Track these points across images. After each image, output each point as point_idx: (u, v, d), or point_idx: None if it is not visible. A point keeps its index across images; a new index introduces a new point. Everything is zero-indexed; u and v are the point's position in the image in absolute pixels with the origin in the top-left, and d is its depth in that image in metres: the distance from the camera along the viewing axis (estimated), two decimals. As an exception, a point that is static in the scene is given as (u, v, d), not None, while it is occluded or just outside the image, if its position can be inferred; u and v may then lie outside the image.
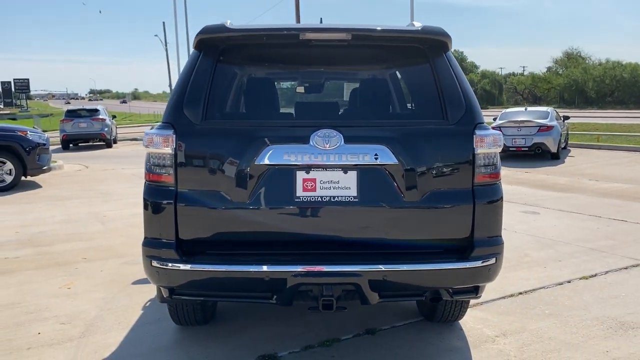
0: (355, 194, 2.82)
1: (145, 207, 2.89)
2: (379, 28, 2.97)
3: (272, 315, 3.95)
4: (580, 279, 4.84)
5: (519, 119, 14.61)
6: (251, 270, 2.77)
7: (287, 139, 2.79)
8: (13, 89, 67.60)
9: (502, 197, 3.01)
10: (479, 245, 2.92)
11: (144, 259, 2.88)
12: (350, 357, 3.40)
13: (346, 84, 3.41)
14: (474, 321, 3.94)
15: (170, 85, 41.82)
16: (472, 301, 4.27)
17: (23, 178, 10.25)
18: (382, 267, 2.79)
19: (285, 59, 3.20)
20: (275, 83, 3.24)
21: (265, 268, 2.76)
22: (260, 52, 3.11)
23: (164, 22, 45.67)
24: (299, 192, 2.80)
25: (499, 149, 2.99)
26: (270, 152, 2.77)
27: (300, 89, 3.26)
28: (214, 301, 3.32)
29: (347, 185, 2.81)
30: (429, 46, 3.03)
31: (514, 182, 10.74)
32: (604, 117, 31.94)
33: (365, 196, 2.82)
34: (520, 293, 4.49)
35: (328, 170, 2.81)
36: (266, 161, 2.77)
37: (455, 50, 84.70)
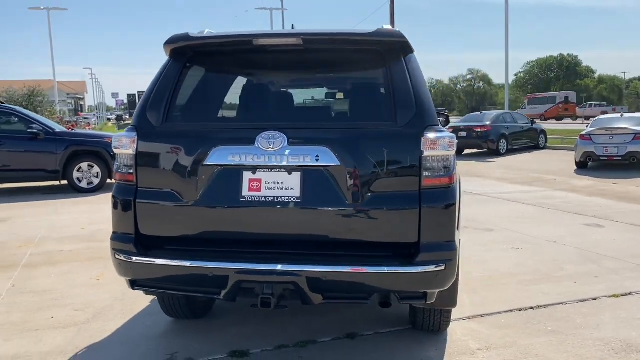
0: (298, 194, 2.86)
1: (113, 203, 3.13)
2: (330, 32, 3.00)
3: (260, 315, 4.05)
4: (610, 296, 4.47)
5: (612, 126, 13.57)
6: (198, 266, 2.91)
7: (234, 141, 2.91)
8: (137, 101, 73.55)
9: (455, 202, 2.91)
10: (425, 250, 2.84)
11: (111, 252, 3.12)
12: (317, 359, 3.42)
13: (300, 87, 3.47)
14: (463, 332, 3.79)
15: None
16: (471, 312, 4.13)
17: (108, 180, 11.19)
18: (321, 268, 2.81)
19: (243, 65, 3.33)
20: (233, 87, 3.38)
21: (209, 264, 2.89)
22: (221, 58, 3.26)
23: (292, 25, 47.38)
24: (245, 192, 2.90)
25: (451, 152, 2.89)
26: (218, 153, 2.90)
27: (255, 93, 3.37)
28: (173, 294, 3.49)
29: (290, 186, 2.87)
30: (385, 49, 3.01)
31: (595, 194, 10.01)
32: None
33: (308, 197, 2.86)
34: (532, 307, 4.24)
35: (273, 171, 2.88)
36: (214, 162, 2.90)
37: (568, 54, 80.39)
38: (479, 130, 18.45)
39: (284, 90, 3.40)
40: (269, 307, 2.83)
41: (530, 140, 20.39)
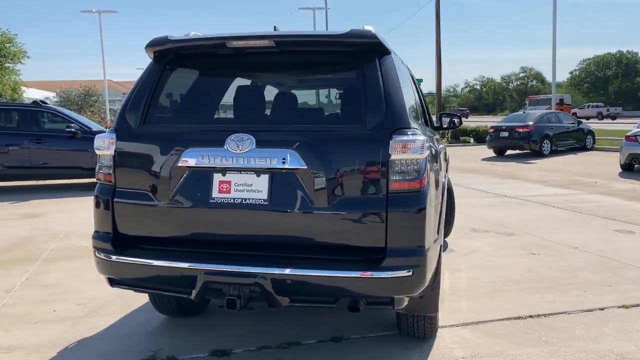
0: (265, 197, 2.86)
1: (94, 203, 3.22)
2: (302, 34, 2.99)
3: (252, 315, 4.05)
4: (619, 307, 4.26)
5: (661, 128, 12.99)
6: (168, 265, 2.96)
7: (205, 142, 2.94)
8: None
9: (424, 207, 2.83)
10: (391, 255, 2.78)
11: (92, 250, 3.21)
12: (297, 361, 3.42)
13: (274, 89, 3.46)
14: (452, 339, 3.70)
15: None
16: (464, 319, 4.03)
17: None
18: (286, 271, 2.80)
19: (218, 67, 3.35)
20: (208, 89, 3.40)
21: (179, 264, 2.93)
22: (198, 61, 3.29)
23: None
24: (215, 193, 2.93)
25: (421, 155, 2.82)
26: (189, 154, 2.93)
27: (228, 95, 3.39)
28: (150, 292, 3.54)
29: (259, 189, 2.87)
30: (357, 50, 2.98)
31: (635, 198, 9.62)
32: None
33: (275, 200, 2.86)
34: (531, 316, 4.09)
35: (242, 173, 2.90)
36: (185, 163, 2.94)
37: (627, 51, 76.64)
38: (521, 130, 17.93)
39: (256, 92, 3.40)
40: (234, 309, 2.84)
41: (576, 141, 19.67)
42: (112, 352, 3.55)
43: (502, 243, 6.39)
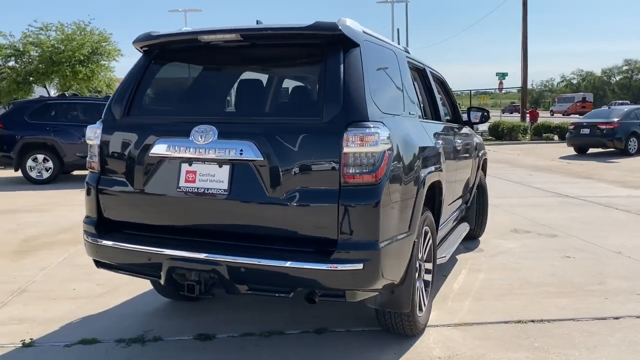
0: (226, 187, 2.95)
1: (85, 190, 3.45)
2: (266, 27, 3.03)
3: (247, 303, 4.18)
4: (637, 317, 3.96)
5: None
6: (139, 250, 3.13)
7: (173, 133, 3.07)
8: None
9: (378, 201, 2.79)
10: (342, 248, 2.78)
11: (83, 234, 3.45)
12: (273, 349, 3.47)
13: (239, 82, 3.50)
14: (436, 338, 3.61)
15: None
16: (460, 319, 3.92)
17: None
18: (240, 259, 2.88)
19: (191, 60, 3.46)
20: (182, 82, 3.51)
21: (148, 249, 3.09)
22: (175, 55, 3.42)
23: (398, 29, 47.02)
24: (182, 182, 3.05)
25: (377, 149, 2.78)
26: (159, 144, 3.08)
27: (198, 88, 3.47)
28: (130, 275, 3.69)
29: (220, 179, 2.96)
30: (324, 43, 2.98)
31: None
32: None
33: (234, 190, 2.94)
34: (532, 321, 3.89)
35: (206, 164, 3.00)
36: (156, 153, 3.09)
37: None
38: (604, 127, 16.80)
39: (223, 85, 3.47)
40: (193, 293, 2.96)
41: (670, 140, 18.13)
42: (108, 329, 3.78)
43: (540, 245, 6.08)
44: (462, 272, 5.08)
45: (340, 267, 2.75)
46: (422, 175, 3.32)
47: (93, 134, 3.35)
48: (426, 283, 3.80)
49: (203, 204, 3.02)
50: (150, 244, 3.11)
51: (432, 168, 3.58)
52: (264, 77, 3.27)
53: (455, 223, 5.25)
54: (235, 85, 3.30)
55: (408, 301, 3.26)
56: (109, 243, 3.24)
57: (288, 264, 2.80)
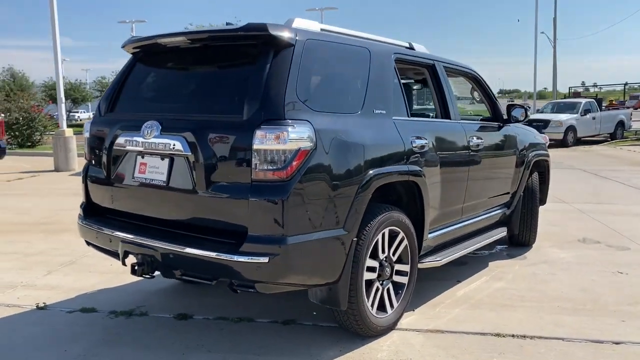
0: (165, 179, 3.21)
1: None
2: (205, 30, 3.22)
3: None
4: (643, 345, 3.50)
5: None
6: (104, 233, 3.51)
7: (131, 128, 3.39)
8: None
9: (286, 197, 2.84)
10: (250, 241, 2.88)
11: None
12: (235, 334, 3.64)
13: (186, 81, 3.63)
14: (393, 342, 3.53)
15: (554, 84, 40.07)
16: (435, 326, 3.79)
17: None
18: (170, 246, 3.11)
19: (154, 62, 3.71)
20: (149, 82, 3.73)
21: (108, 232, 3.47)
22: (146, 57, 3.72)
23: (554, 19, 43.74)
24: (136, 173, 3.37)
25: (287, 147, 2.83)
26: (120, 138, 3.43)
27: (155, 86, 3.68)
28: (106, 255, 4.00)
29: (162, 171, 3.23)
30: (258, 43, 3.10)
31: None
32: None
33: (171, 181, 3.19)
34: (513, 335, 3.62)
35: (153, 157, 3.28)
36: (119, 145, 3.45)
37: None
38: None
39: (172, 83, 3.66)
40: (135, 274, 3.27)
41: None
42: (109, 301, 4.26)
43: (599, 257, 5.49)
44: (480, 279, 4.81)
45: (244, 258, 2.86)
46: (370, 174, 3.26)
47: (85, 128, 3.81)
48: (397, 285, 3.73)
49: (150, 193, 3.31)
50: (113, 228, 3.48)
51: (393, 168, 3.49)
52: (204, 77, 3.46)
53: (482, 227, 4.97)
54: (181, 84, 3.54)
55: (345, 299, 3.25)
56: (85, 224, 3.68)
57: (204, 252, 2.98)
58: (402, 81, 5.15)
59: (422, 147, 3.81)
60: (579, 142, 20.85)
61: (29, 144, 18.49)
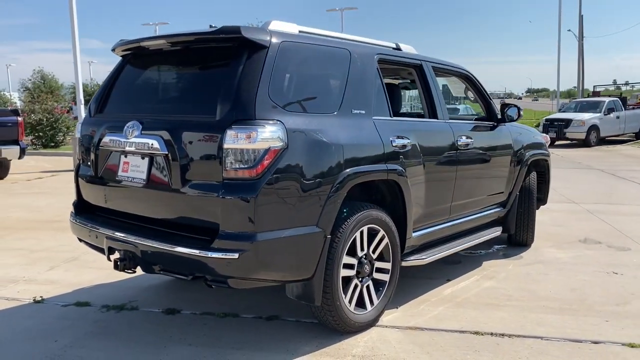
0: (144, 177, 3.32)
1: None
2: (182, 33, 3.32)
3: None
4: (623, 345, 3.48)
5: None
6: (90, 229, 3.64)
7: (115, 129, 3.52)
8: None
9: (256, 195, 2.92)
10: (221, 238, 2.97)
11: None
12: (218, 329, 3.74)
13: (166, 82, 3.72)
14: (370, 338, 3.58)
15: (580, 82, 39.38)
16: (415, 323, 3.83)
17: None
18: (146, 242, 3.22)
19: (139, 64, 3.82)
20: (134, 83, 3.83)
21: (95, 228, 3.60)
22: (132, 59, 3.84)
23: (582, 16, 42.97)
24: (120, 172, 3.50)
25: (256, 146, 2.92)
26: (105, 138, 3.56)
27: (138, 88, 3.79)
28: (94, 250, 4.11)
29: (142, 170, 3.34)
30: (233, 45, 3.19)
31: None
32: None
33: (149, 180, 3.30)
34: (492, 334, 3.64)
35: (135, 156, 3.40)
36: (105, 145, 3.58)
37: None
38: None
39: (153, 85, 3.76)
40: (117, 269, 3.39)
41: None
42: (103, 296, 4.40)
43: (596, 257, 5.45)
44: (471, 279, 4.82)
45: (215, 254, 2.95)
46: (345, 173, 3.32)
47: (77, 128, 3.96)
48: (378, 282, 3.78)
49: (133, 191, 3.43)
50: (99, 225, 3.61)
51: (370, 167, 3.54)
52: (183, 78, 3.56)
53: (474, 226, 4.99)
54: (163, 85, 3.66)
55: (319, 295, 3.32)
56: (74, 221, 3.82)
57: (177, 248, 3.08)
58: (395, 82, 5.21)
59: (404, 146, 3.85)
60: (603, 141, 20.50)
61: (52, 144, 18.97)
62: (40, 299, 4.35)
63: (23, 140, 11.34)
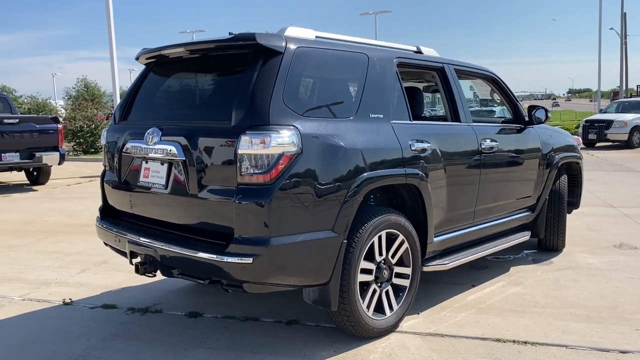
0: (164, 182, 3.39)
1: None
2: (204, 40, 3.37)
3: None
4: (654, 355, 3.36)
5: None
6: (114, 233, 3.73)
7: (137, 135, 3.60)
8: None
9: (270, 200, 2.94)
10: (236, 242, 3.00)
11: None
12: (239, 333, 3.77)
13: (186, 89, 3.76)
14: (390, 344, 3.55)
15: (622, 82, 38.18)
16: (436, 330, 3.79)
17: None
18: (165, 246, 3.28)
19: (162, 72, 3.88)
20: (156, 90, 3.90)
21: (119, 233, 3.68)
22: (157, 67, 3.91)
23: (625, 13, 41.68)
24: (142, 177, 3.57)
25: (270, 151, 2.94)
26: (128, 145, 3.65)
27: (160, 95, 3.85)
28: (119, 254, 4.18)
29: (162, 175, 3.41)
30: (249, 52, 3.22)
31: None
32: None
33: (168, 186, 3.36)
34: (514, 341, 3.56)
35: (155, 162, 3.47)
36: (127, 152, 3.67)
37: None
38: None
39: (173, 92, 3.82)
40: (138, 273, 3.46)
41: None
42: (130, 298, 4.50)
43: (630, 264, 5.27)
44: (497, 284, 4.73)
45: (230, 259, 2.99)
46: (361, 177, 3.31)
47: (103, 135, 4.07)
48: (397, 287, 3.75)
49: (153, 196, 3.50)
50: (122, 229, 3.70)
51: (388, 171, 3.51)
52: (201, 84, 3.62)
53: (500, 230, 4.89)
54: (182, 92, 3.72)
55: (335, 300, 3.31)
56: (100, 225, 3.92)
57: (194, 253, 3.13)
58: (418, 85, 5.17)
59: (424, 150, 3.81)
60: (647, 143, 19.79)
61: (92, 150, 19.52)
62: (69, 301, 4.47)
63: (63, 146, 11.69)
